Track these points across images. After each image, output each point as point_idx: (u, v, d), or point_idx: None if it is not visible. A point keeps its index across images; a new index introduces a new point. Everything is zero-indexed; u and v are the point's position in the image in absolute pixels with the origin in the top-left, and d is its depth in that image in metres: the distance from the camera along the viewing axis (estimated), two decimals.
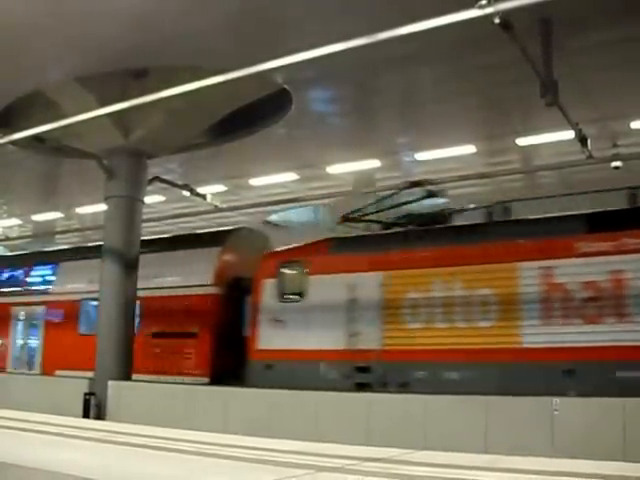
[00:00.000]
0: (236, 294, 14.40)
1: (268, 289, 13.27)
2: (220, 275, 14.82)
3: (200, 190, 16.80)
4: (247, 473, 5.00)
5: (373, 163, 18.77)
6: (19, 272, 19.65)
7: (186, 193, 16.68)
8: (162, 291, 15.34)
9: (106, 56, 11.91)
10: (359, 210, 13.72)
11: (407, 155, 18.60)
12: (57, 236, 28.05)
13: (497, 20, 7.57)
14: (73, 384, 13.44)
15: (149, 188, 14.97)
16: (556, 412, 8.31)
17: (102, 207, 15.33)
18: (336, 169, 19.37)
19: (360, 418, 9.65)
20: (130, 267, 13.82)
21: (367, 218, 13.76)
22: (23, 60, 11.97)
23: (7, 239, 25.50)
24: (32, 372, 17.22)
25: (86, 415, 12.49)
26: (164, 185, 16.68)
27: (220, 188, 20.84)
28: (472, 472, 4.98)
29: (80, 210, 24.59)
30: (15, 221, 27.72)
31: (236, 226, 17.69)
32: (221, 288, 14.68)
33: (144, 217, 14.71)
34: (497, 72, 12.99)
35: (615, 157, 13.57)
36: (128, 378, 13.36)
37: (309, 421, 9.91)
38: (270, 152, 18.10)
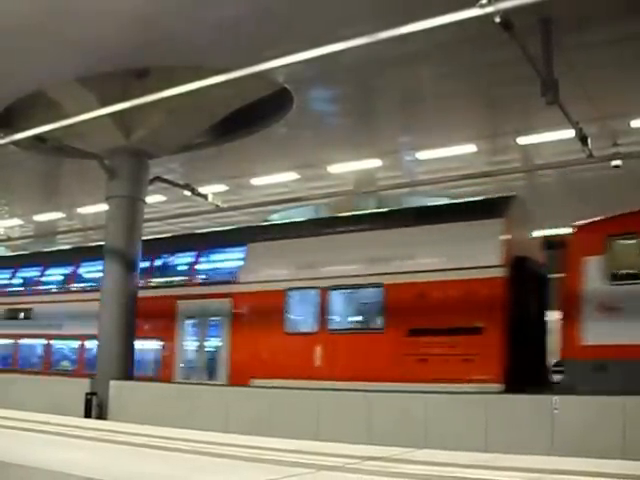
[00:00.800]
0: (526, 276, 12.13)
1: (592, 269, 10.84)
2: (506, 253, 12.14)
3: (201, 190, 16.82)
4: (248, 472, 5.01)
5: (374, 162, 18.77)
6: (185, 258, 16.52)
7: (187, 193, 16.71)
8: (421, 276, 12.62)
9: (107, 56, 11.94)
10: None
11: (408, 154, 18.60)
12: (58, 236, 28.08)
13: (497, 19, 7.58)
14: (75, 384, 13.48)
15: (150, 188, 15.02)
16: (556, 411, 8.33)
17: (104, 207, 15.36)
18: (337, 168, 19.36)
19: (361, 417, 9.67)
20: (132, 266, 13.87)
21: None
22: (24, 60, 12.00)
23: (9, 239, 25.54)
24: (213, 382, 14.25)
25: (88, 415, 12.53)
26: (165, 185, 16.72)
27: (221, 188, 20.84)
28: (472, 470, 4.98)
29: (82, 210, 24.62)
30: (17, 221, 27.74)
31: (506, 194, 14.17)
32: (507, 269, 12.05)
33: (145, 217, 14.73)
34: (498, 71, 13.00)
35: (615, 156, 13.57)
36: (129, 378, 13.38)
37: (310, 420, 9.93)
38: (271, 152, 18.11)
